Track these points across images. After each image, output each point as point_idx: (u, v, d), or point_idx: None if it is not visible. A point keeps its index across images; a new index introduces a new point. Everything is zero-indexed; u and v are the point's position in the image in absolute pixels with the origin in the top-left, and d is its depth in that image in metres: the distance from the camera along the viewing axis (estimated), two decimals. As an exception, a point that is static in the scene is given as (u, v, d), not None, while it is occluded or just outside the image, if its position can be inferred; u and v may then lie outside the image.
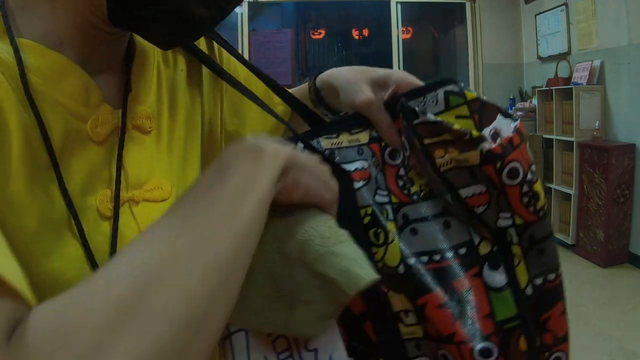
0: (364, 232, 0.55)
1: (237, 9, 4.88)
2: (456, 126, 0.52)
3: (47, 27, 0.41)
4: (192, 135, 0.53)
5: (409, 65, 5.12)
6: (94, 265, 0.39)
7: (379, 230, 0.55)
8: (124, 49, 0.49)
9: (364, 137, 0.59)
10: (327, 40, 8.44)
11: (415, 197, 0.57)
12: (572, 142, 3.71)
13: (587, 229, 3.58)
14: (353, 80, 0.59)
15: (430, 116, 0.53)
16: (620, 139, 3.53)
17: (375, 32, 7.88)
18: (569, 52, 4.11)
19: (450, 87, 0.57)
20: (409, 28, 6.29)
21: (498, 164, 0.50)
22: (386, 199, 0.57)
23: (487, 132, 0.53)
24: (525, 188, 0.51)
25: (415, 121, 0.54)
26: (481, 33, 4.96)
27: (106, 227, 0.41)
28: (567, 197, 3.83)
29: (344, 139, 0.59)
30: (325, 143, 0.59)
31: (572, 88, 3.69)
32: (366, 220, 0.56)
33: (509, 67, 4.95)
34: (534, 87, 4.55)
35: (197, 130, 0.55)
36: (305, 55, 7.91)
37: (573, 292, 3.01)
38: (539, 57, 4.59)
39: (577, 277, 3.27)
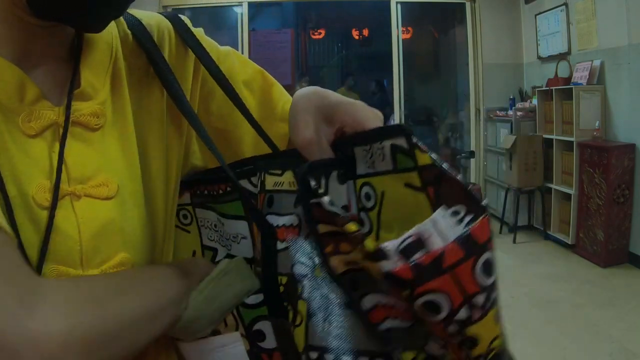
0: (281, 302, 0.48)
1: (237, 9, 4.87)
2: (350, 226, 0.38)
3: None
4: (154, 127, 0.52)
5: (409, 65, 5.12)
6: (22, 251, 0.39)
7: (288, 307, 0.47)
8: (68, 42, 0.48)
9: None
10: (327, 40, 8.45)
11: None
12: (572, 142, 3.71)
13: (587, 229, 3.58)
14: (300, 109, 0.48)
15: (326, 201, 0.39)
16: (620, 139, 3.53)
17: (375, 32, 7.88)
18: (569, 52, 4.11)
19: (399, 141, 0.42)
20: (409, 28, 6.29)
21: (406, 292, 0.36)
22: (306, 271, 0.45)
23: (400, 239, 0.37)
24: (453, 328, 0.36)
25: (312, 200, 0.41)
26: (481, 33, 4.96)
27: (42, 216, 0.42)
28: (567, 197, 3.83)
29: (286, 179, 0.48)
30: (269, 181, 0.49)
31: (572, 88, 3.69)
32: (281, 289, 0.48)
33: (509, 67, 4.95)
34: (534, 87, 4.55)
35: (162, 122, 0.53)
36: (305, 55, 7.92)
37: (573, 292, 3.02)
38: (539, 57, 4.59)
39: (577, 277, 3.27)
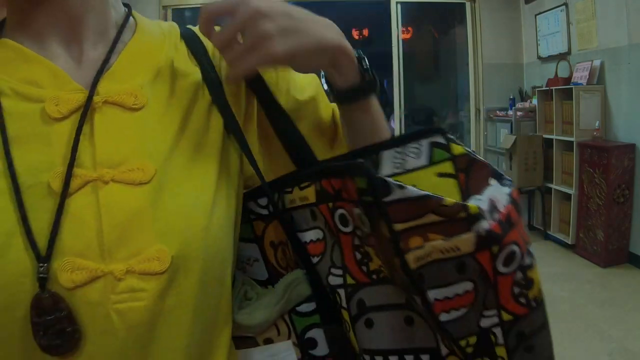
0: (334, 309, 0.49)
1: (237, 9, 4.87)
2: (449, 200, 0.40)
3: (6, 20, 0.47)
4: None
5: (409, 65, 5.11)
6: (30, 238, 0.38)
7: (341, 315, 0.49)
8: (100, 25, 0.48)
9: (311, 194, 0.50)
10: (327, 40, 8.43)
11: (374, 276, 0.47)
12: (572, 142, 3.71)
13: (587, 229, 3.58)
14: None
15: (412, 190, 0.41)
16: (620, 139, 3.53)
17: (375, 32, 7.87)
18: (569, 52, 4.11)
19: (437, 138, 0.49)
20: (409, 28, 6.29)
21: (495, 249, 0.41)
22: (340, 281, 0.48)
23: (482, 203, 0.42)
24: (519, 275, 0.42)
25: (387, 198, 0.41)
26: (481, 33, 4.96)
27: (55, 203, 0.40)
28: (567, 197, 3.83)
29: (296, 196, 0.51)
30: (287, 200, 0.51)
31: (572, 88, 3.69)
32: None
33: (509, 67, 4.95)
34: (534, 87, 4.55)
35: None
36: (305, 55, 7.89)
37: (573, 292, 3.01)
38: (539, 57, 4.59)
39: (577, 277, 3.27)
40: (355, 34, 8.28)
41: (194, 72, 0.50)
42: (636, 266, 3.35)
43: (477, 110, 5.04)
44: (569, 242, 3.78)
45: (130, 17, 0.52)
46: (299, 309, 0.51)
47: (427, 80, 6.58)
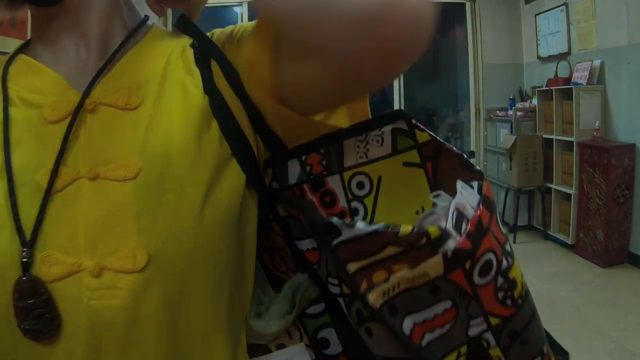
0: (341, 308, 0.48)
1: (237, 9, 4.87)
2: (404, 230, 0.37)
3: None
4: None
5: (409, 65, 5.11)
6: (18, 229, 0.40)
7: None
8: (98, 31, 0.50)
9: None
10: (327, 40, 8.43)
11: None
12: (572, 142, 3.71)
13: (587, 229, 3.58)
14: None
15: (362, 228, 0.38)
16: (620, 139, 3.53)
17: (375, 32, 7.86)
18: (569, 52, 4.11)
19: (400, 124, 0.46)
20: (409, 28, 6.28)
21: (468, 264, 0.38)
22: (338, 290, 0.46)
23: (448, 214, 0.39)
24: (500, 281, 0.41)
25: (337, 240, 0.39)
26: (481, 33, 4.96)
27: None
28: (567, 197, 3.83)
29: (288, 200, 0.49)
30: (281, 208, 0.50)
31: (572, 88, 3.69)
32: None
33: (509, 67, 4.94)
34: (534, 87, 4.55)
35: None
36: (305, 55, 7.90)
37: (573, 292, 3.01)
38: (539, 57, 4.59)
39: (577, 277, 3.27)
40: (355, 34, 8.27)
41: (195, 77, 0.49)
42: (636, 266, 3.35)
43: (477, 110, 5.04)
44: (569, 242, 3.78)
45: (147, 26, 0.54)
46: (308, 311, 0.51)
47: (427, 80, 6.57)
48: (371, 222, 0.47)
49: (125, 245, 0.40)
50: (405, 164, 0.46)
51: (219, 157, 0.46)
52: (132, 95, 0.46)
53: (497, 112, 4.72)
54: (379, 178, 0.48)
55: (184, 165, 0.44)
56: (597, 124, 3.61)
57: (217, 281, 0.45)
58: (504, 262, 0.41)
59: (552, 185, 3.98)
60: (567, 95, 3.79)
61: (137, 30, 0.52)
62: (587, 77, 3.73)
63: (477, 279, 0.39)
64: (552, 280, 3.22)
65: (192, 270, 0.42)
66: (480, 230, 0.39)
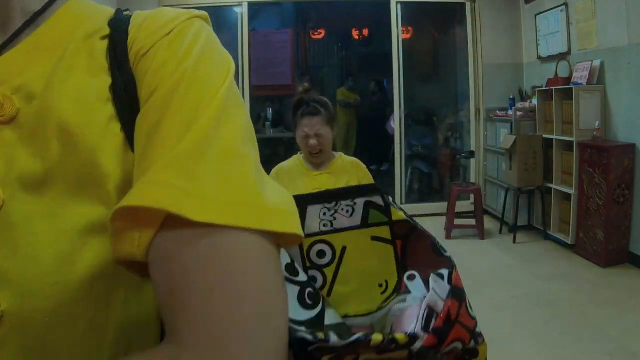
0: None
1: (237, 9, 4.87)
2: (375, 338, 0.37)
3: None
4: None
5: (409, 65, 5.12)
6: None
7: None
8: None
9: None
10: (327, 40, 8.44)
11: None
12: (572, 142, 3.71)
13: (587, 229, 3.58)
14: None
15: (334, 340, 0.37)
16: (620, 139, 3.53)
17: (375, 32, 7.88)
18: (569, 52, 4.11)
19: (374, 198, 0.46)
20: (409, 28, 6.29)
21: (433, 353, 0.40)
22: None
23: (418, 310, 0.40)
24: (460, 355, 0.42)
25: (310, 347, 0.38)
26: (481, 33, 4.96)
27: None
28: (567, 197, 3.83)
29: None
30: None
31: (572, 88, 3.69)
32: None
33: (509, 67, 4.95)
34: (534, 87, 4.55)
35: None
36: (305, 55, 7.92)
37: (573, 292, 3.01)
38: (539, 57, 4.59)
39: (577, 277, 3.27)
40: (355, 34, 8.28)
41: (101, 77, 0.40)
42: (636, 266, 3.35)
43: (477, 110, 5.04)
44: (569, 242, 3.78)
45: (60, 2, 0.43)
46: None
47: (427, 80, 6.58)
48: (329, 293, 0.46)
49: None
50: (374, 238, 0.46)
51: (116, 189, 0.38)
52: (5, 104, 0.37)
53: (497, 112, 4.72)
54: (343, 249, 0.47)
55: (65, 204, 0.36)
56: (597, 124, 3.61)
57: (92, 349, 0.38)
58: (472, 343, 0.42)
59: (552, 185, 3.98)
60: (567, 95, 3.79)
61: (42, 12, 0.41)
62: (587, 77, 3.73)
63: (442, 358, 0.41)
64: (552, 280, 3.22)
65: (52, 334, 0.35)
66: (448, 322, 0.40)
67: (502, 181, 4.44)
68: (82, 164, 0.37)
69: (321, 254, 0.47)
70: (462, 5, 5.06)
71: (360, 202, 0.46)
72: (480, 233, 4.23)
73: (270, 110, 6.29)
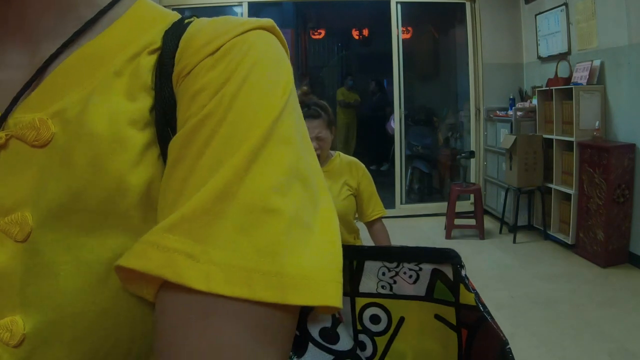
0: None
1: (237, 9, 4.87)
2: None
3: None
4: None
5: (409, 65, 5.11)
6: None
7: None
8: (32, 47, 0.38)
9: None
10: (327, 40, 8.45)
11: None
12: (572, 142, 3.71)
13: (587, 229, 3.58)
14: None
15: None
16: (620, 139, 3.53)
17: (375, 32, 7.88)
18: (569, 52, 4.11)
19: (444, 268, 0.38)
20: (409, 28, 6.29)
21: None
22: None
23: None
24: None
25: None
26: (481, 33, 4.96)
27: None
28: (567, 197, 3.83)
29: None
30: None
31: (572, 88, 3.69)
32: None
33: (509, 67, 4.95)
34: (534, 87, 4.55)
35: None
36: (305, 55, 7.92)
37: (573, 292, 3.01)
38: (539, 57, 4.59)
39: (577, 277, 3.27)
40: (355, 34, 8.28)
41: (141, 98, 0.37)
42: (636, 266, 3.35)
43: (477, 110, 5.04)
44: (569, 242, 3.78)
45: (123, 5, 0.40)
46: None
47: (427, 80, 6.58)
48: None
49: (4, 316, 0.33)
50: (438, 317, 0.39)
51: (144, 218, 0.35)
52: (42, 127, 0.35)
53: (497, 112, 4.72)
54: (401, 319, 0.40)
55: (93, 234, 0.35)
56: (597, 124, 3.61)
57: None
58: None
59: (552, 185, 3.98)
60: (567, 95, 3.79)
61: (99, 18, 0.38)
62: (587, 77, 3.73)
63: None
64: (552, 280, 3.22)
65: (76, 357, 0.34)
66: None
67: (502, 181, 4.44)
68: (110, 193, 0.34)
69: (375, 319, 0.41)
70: (462, 5, 5.06)
71: (427, 268, 0.39)
72: (480, 233, 4.23)
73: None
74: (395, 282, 0.39)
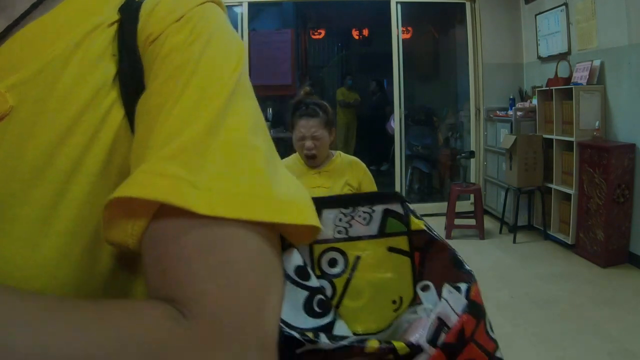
0: None
1: (237, 9, 4.87)
2: (370, 346, 0.35)
3: None
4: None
5: (409, 65, 5.11)
6: None
7: None
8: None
9: None
10: (327, 40, 8.45)
11: None
12: (572, 142, 3.71)
13: (587, 229, 3.58)
14: None
15: (325, 343, 0.35)
16: (620, 139, 3.53)
17: (375, 32, 7.88)
18: (569, 52, 4.11)
19: (394, 206, 0.43)
20: (409, 28, 6.29)
21: None
22: None
23: (427, 321, 0.37)
24: None
25: (300, 350, 0.36)
26: (481, 33, 4.96)
27: None
28: (567, 197, 3.83)
29: None
30: None
31: (572, 88, 3.69)
32: None
33: (509, 67, 4.95)
34: (534, 87, 4.55)
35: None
36: (305, 55, 7.91)
37: (573, 292, 3.01)
38: (539, 57, 4.59)
39: (577, 277, 3.27)
40: (355, 34, 8.28)
41: (106, 66, 0.38)
42: (636, 266, 3.35)
43: (477, 110, 5.05)
44: (569, 242, 3.78)
45: None
46: None
47: (427, 80, 6.58)
48: (337, 307, 0.43)
49: None
50: (391, 249, 0.43)
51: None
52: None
53: (497, 112, 4.72)
54: (357, 259, 0.44)
55: (56, 208, 0.35)
56: (597, 124, 3.61)
57: None
58: None
59: (552, 185, 3.98)
60: (567, 95, 3.79)
61: None
62: (587, 77, 3.73)
63: None
64: (552, 280, 3.22)
65: None
66: (461, 341, 0.38)
67: (502, 181, 4.44)
68: (81, 150, 0.36)
69: (333, 262, 0.44)
70: (462, 5, 5.06)
71: (379, 209, 0.44)
72: (480, 233, 4.23)
73: (270, 111, 6.29)
74: (351, 225, 0.44)
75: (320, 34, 8.14)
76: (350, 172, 1.98)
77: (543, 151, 4.02)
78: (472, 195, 4.63)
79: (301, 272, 0.40)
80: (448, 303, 0.39)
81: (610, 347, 2.31)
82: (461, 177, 4.80)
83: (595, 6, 3.71)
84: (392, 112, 5.25)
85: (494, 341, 0.41)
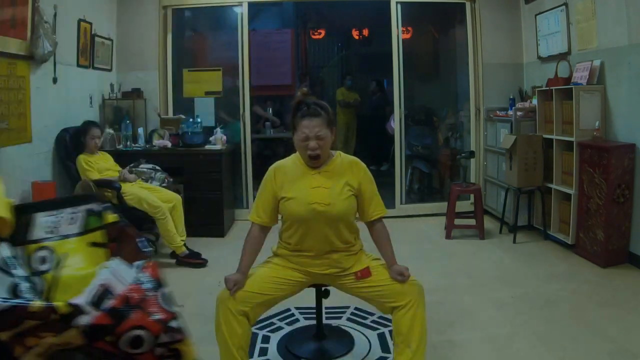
0: None
1: (237, 9, 4.87)
2: (34, 306, 0.38)
3: None
4: None
5: (409, 65, 5.11)
6: None
7: None
8: None
9: None
10: (327, 40, 8.45)
11: None
12: (572, 142, 3.71)
13: (587, 229, 3.58)
14: None
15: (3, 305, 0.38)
16: (620, 139, 3.53)
17: (375, 32, 7.88)
18: (569, 52, 4.11)
19: (93, 206, 0.48)
20: (409, 28, 6.28)
21: (110, 338, 0.40)
22: None
23: (88, 291, 0.40)
24: (160, 351, 0.42)
25: None
26: (481, 33, 4.96)
27: None
28: (567, 197, 3.83)
29: None
30: None
31: (572, 88, 3.69)
32: None
33: (509, 67, 4.95)
34: (534, 87, 4.55)
35: None
36: (305, 55, 7.91)
37: (573, 292, 3.01)
38: (539, 57, 4.59)
39: (577, 277, 3.27)
40: (355, 34, 8.28)
41: None
42: (636, 266, 3.35)
43: (477, 110, 5.05)
44: (569, 242, 3.78)
45: None
46: None
47: (427, 80, 6.57)
48: (47, 299, 0.47)
49: None
50: (93, 244, 0.47)
51: None
52: None
53: (497, 112, 4.72)
54: (65, 255, 0.50)
55: None
56: (597, 124, 3.61)
57: None
58: (165, 337, 0.42)
59: (552, 185, 3.98)
60: (567, 95, 3.79)
61: None
62: (587, 77, 3.73)
63: (128, 349, 0.41)
64: (552, 280, 3.22)
65: None
66: (127, 306, 0.41)
67: (502, 181, 4.44)
68: None
69: (42, 259, 0.51)
70: (462, 5, 5.06)
71: (82, 209, 0.48)
72: (480, 233, 4.23)
73: (270, 111, 6.29)
74: (60, 225, 0.48)
75: (320, 34, 8.14)
76: (350, 173, 1.98)
77: (543, 151, 4.03)
78: (472, 195, 4.63)
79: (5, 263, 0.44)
80: (115, 274, 0.43)
81: (610, 347, 2.31)
82: (461, 177, 4.80)
83: (595, 6, 3.71)
84: (392, 112, 5.24)
85: (171, 312, 0.44)
